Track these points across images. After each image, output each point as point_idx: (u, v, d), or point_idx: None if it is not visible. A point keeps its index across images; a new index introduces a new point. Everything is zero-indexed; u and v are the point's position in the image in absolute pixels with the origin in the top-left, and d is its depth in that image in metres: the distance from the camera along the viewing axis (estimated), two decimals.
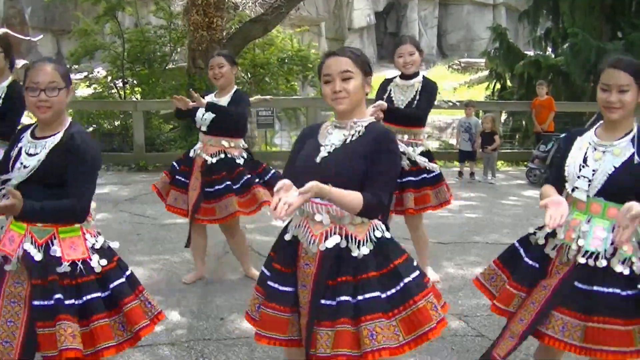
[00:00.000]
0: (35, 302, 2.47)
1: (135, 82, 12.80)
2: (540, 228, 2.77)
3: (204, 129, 4.52)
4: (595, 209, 2.58)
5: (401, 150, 4.27)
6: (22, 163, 2.56)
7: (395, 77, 4.74)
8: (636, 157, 2.53)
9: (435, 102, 4.40)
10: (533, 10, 14.56)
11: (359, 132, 2.43)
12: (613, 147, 2.58)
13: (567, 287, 2.55)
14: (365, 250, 2.37)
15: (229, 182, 4.47)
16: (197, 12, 10.73)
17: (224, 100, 4.52)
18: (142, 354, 3.61)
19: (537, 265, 2.73)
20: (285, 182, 2.19)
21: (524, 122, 13.52)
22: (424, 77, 4.64)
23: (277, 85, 13.27)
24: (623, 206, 2.36)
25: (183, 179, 4.62)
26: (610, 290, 2.48)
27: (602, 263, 2.51)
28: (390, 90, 4.65)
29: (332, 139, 2.46)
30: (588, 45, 12.08)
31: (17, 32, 12.88)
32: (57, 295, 2.45)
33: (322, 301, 2.34)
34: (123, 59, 12.48)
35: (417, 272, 2.43)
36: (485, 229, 6.63)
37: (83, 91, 13.71)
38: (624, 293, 2.47)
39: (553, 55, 14.32)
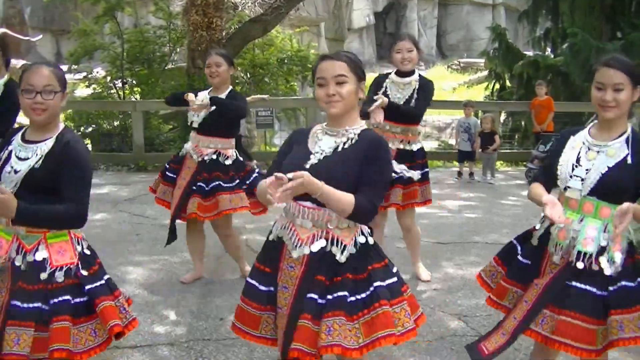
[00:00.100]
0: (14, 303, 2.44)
1: (134, 82, 12.79)
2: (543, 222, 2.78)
3: (195, 125, 4.55)
4: (588, 208, 2.58)
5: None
6: (12, 167, 2.53)
7: (390, 73, 4.70)
8: (629, 158, 2.54)
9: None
10: (532, 10, 14.56)
11: (351, 139, 2.43)
12: (608, 147, 2.58)
13: (557, 285, 2.57)
14: (347, 254, 2.38)
15: (220, 182, 4.50)
16: (197, 12, 10.73)
17: None
18: (141, 354, 3.60)
19: (530, 263, 2.76)
20: (277, 175, 2.21)
21: (523, 123, 13.52)
22: (420, 75, 4.62)
23: (277, 85, 13.26)
24: (618, 208, 2.40)
25: (172, 175, 4.68)
26: (587, 287, 2.52)
27: (594, 267, 2.53)
28: (387, 87, 4.62)
29: (322, 145, 2.45)
30: (587, 45, 12.07)
31: (17, 32, 12.88)
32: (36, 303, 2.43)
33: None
34: (122, 59, 12.47)
35: (394, 279, 2.43)
36: (484, 229, 6.63)
37: (82, 91, 13.69)
38: (598, 292, 2.51)
39: (552, 56, 14.32)
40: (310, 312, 2.31)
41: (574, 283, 2.53)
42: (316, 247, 2.37)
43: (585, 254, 2.55)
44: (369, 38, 31.43)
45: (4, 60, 4.25)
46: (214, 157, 4.51)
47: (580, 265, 2.55)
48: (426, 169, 4.70)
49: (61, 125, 2.63)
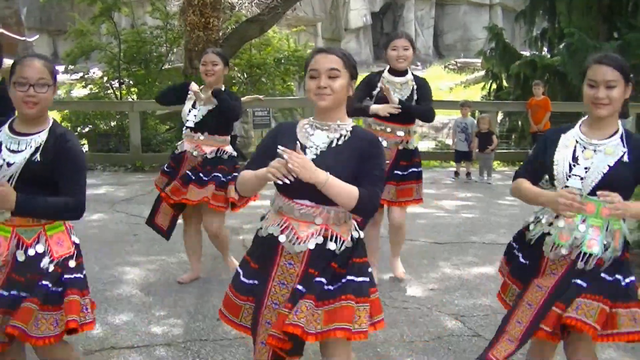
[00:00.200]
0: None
1: (131, 82, 12.78)
2: (535, 223, 2.79)
3: (190, 124, 4.55)
4: (590, 208, 2.57)
5: None
6: (4, 159, 2.53)
7: (382, 71, 4.63)
8: (626, 156, 2.54)
9: None
10: (529, 10, 14.58)
11: (344, 135, 2.44)
12: (604, 145, 2.58)
13: (564, 287, 2.58)
14: (343, 249, 2.43)
15: (219, 174, 4.52)
16: (194, 12, 10.71)
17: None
18: (138, 354, 3.60)
19: (527, 262, 2.76)
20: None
21: (520, 123, 13.53)
22: (413, 74, 4.58)
23: (274, 85, 13.27)
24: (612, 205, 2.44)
25: (171, 170, 4.70)
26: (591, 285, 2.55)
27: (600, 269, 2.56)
28: (381, 87, 4.51)
29: (315, 140, 2.45)
30: (585, 45, 12.08)
31: (13, 32, 12.82)
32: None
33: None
34: (119, 59, 12.46)
35: (366, 279, 2.46)
36: (482, 229, 6.63)
37: (79, 92, 13.67)
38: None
39: (549, 56, 14.34)
40: (292, 302, 2.35)
41: (579, 281, 2.55)
42: (313, 243, 2.40)
43: (590, 255, 2.56)
44: (365, 38, 31.44)
45: None
46: (216, 154, 4.56)
47: (580, 265, 2.57)
48: (420, 168, 4.71)
49: (50, 119, 2.65)
